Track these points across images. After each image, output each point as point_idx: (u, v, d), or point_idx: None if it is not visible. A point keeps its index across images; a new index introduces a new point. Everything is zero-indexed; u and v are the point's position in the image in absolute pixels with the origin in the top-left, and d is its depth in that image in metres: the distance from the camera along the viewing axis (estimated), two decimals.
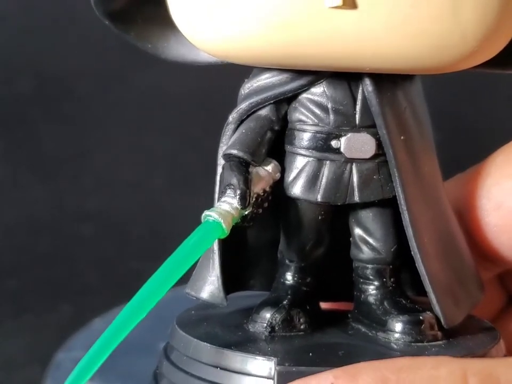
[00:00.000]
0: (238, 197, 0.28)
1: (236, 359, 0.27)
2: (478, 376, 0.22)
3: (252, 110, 0.30)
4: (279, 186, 0.30)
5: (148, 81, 0.50)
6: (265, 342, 0.29)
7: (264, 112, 0.30)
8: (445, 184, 0.32)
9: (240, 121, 0.30)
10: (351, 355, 0.27)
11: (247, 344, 0.28)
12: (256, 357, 0.27)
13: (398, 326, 0.29)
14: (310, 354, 0.27)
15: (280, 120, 0.30)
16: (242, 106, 0.30)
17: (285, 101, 0.30)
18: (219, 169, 0.30)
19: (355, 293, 0.31)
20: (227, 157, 0.29)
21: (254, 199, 0.29)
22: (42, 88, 0.54)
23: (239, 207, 0.28)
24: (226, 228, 0.28)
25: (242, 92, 0.30)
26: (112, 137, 0.50)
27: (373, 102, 0.29)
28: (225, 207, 0.28)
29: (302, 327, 0.30)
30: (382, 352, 0.28)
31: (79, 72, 0.54)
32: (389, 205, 0.30)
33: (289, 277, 0.31)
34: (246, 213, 0.28)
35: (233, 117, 0.30)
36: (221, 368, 0.27)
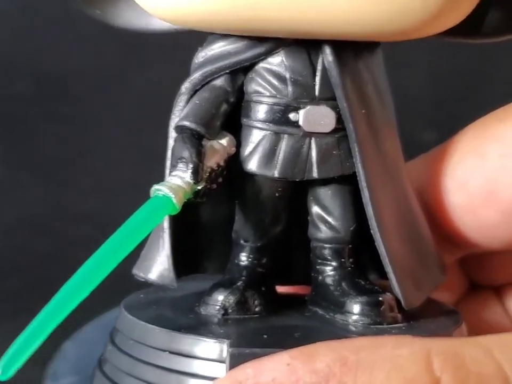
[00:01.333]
0: (190, 170, 0.26)
1: (185, 341, 0.25)
2: (442, 356, 0.21)
3: (206, 80, 0.28)
4: (234, 161, 0.28)
5: (148, 81, 0.50)
6: (218, 325, 0.27)
7: (219, 82, 0.28)
8: (408, 164, 0.31)
9: (194, 92, 0.28)
10: (307, 337, 0.26)
11: (198, 327, 0.26)
12: (207, 339, 0.25)
13: (356, 308, 0.28)
14: (265, 336, 0.26)
15: (236, 92, 0.28)
16: (196, 75, 0.28)
17: (241, 71, 0.28)
18: (170, 142, 0.28)
19: (312, 274, 0.30)
20: (179, 129, 0.28)
21: (207, 174, 0.27)
22: (42, 89, 0.54)
23: (191, 181, 0.27)
24: (177, 204, 0.26)
25: (196, 61, 0.29)
26: (111, 138, 0.50)
27: (333, 73, 0.27)
28: (177, 181, 0.26)
29: (256, 309, 0.28)
30: (340, 334, 0.26)
31: (78, 72, 0.53)
32: (348, 182, 0.29)
33: (244, 258, 0.30)
34: (199, 188, 0.27)
35: (185, 87, 0.28)
36: (170, 352, 0.26)
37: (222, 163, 0.28)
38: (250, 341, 0.25)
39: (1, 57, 0.54)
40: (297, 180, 0.28)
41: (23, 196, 0.53)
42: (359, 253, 0.30)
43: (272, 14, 0.25)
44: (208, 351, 0.25)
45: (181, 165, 0.27)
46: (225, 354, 0.25)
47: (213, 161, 0.27)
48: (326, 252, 0.29)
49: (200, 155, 0.27)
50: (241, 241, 0.30)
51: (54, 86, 0.54)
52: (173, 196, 0.26)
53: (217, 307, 0.28)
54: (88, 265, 0.24)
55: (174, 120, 0.28)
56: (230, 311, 0.28)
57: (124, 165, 0.50)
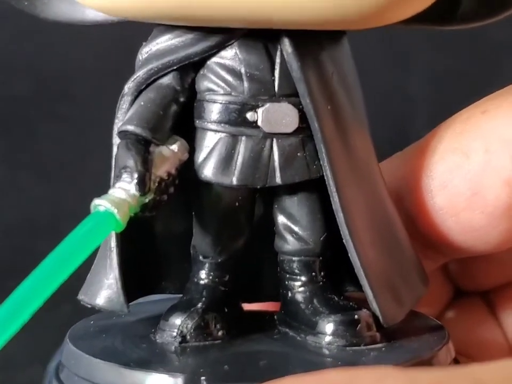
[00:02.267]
0: (135, 181, 0.23)
1: (136, 378, 0.22)
2: None
3: (152, 78, 0.25)
4: (188, 168, 0.25)
5: None
6: (175, 354, 0.24)
7: (166, 80, 0.25)
8: (381, 164, 0.28)
9: (138, 92, 0.25)
10: (274, 366, 0.23)
11: (150, 359, 0.23)
12: (160, 374, 0.22)
13: (330, 327, 0.25)
14: (226, 367, 0.23)
15: (186, 90, 0.25)
16: (140, 73, 0.25)
17: (190, 67, 0.25)
18: (114, 150, 0.25)
19: (281, 290, 0.27)
20: (123, 134, 0.24)
21: (156, 184, 0.24)
22: (42, 89, 0.54)
23: (137, 193, 0.23)
24: (121, 219, 0.23)
25: (140, 58, 0.26)
26: (111, 137, 0.49)
27: (294, 66, 0.24)
28: (120, 194, 0.23)
29: (219, 334, 0.25)
30: (311, 360, 0.23)
31: (78, 73, 0.53)
32: (315, 187, 0.26)
33: (203, 276, 0.26)
34: (147, 200, 0.24)
35: (129, 86, 0.25)
36: None
37: (173, 171, 0.25)
38: (209, 373, 0.22)
39: (1, 57, 0.54)
40: (258, 187, 0.25)
41: (23, 196, 0.52)
42: (333, 264, 0.27)
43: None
44: None
45: (125, 175, 0.24)
46: None
47: (162, 169, 0.24)
48: (295, 265, 0.26)
49: (146, 163, 0.24)
50: (200, 257, 0.27)
51: (54, 86, 0.54)
52: (116, 210, 0.23)
53: (174, 333, 0.25)
54: (17, 294, 0.21)
55: (118, 124, 0.25)
56: (188, 337, 0.25)
57: None
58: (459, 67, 0.55)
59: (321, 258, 0.26)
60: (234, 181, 0.25)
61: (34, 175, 0.53)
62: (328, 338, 0.25)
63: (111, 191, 0.24)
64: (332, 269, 0.27)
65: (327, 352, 0.24)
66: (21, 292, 0.21)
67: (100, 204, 0.23)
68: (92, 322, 0.27)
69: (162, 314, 0.26)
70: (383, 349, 0.24)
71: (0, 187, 0.53)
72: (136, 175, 0.23)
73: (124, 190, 0.23)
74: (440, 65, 0.56)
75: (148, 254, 0.27)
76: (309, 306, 0.25)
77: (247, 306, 0.28)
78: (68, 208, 0.48)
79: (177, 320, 0.25)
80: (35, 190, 0.53)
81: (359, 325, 0.25)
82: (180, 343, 0.24)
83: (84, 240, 0.22)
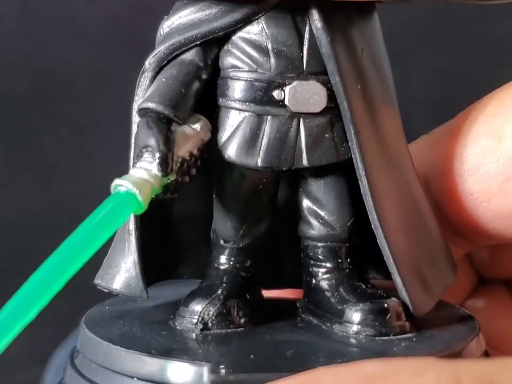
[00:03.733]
0: (157, 161, 0.22)
1: (157, 366, 0.21)
2: None
3: (174, 54, 0.24)
4: (210, 148, 0.24)
5: None
6: (196, 342, 0.23)
7: (189, 56, 0.24)
8: (409, 146, 0.27)
9: (159, 68, 0.24)
10: (302, 356, 0.22)
11: (172, 347, 0.22)
12: (183, 363, 0.21)
13: (358, 316, 0.24)
14: (252, 356, 0.22)
15: (209, 67, 0.24)
16: (161, 49, 0.24)
17: (214, 43, 0.24)
18: (134, 128, 0.24)
19: (304, 277, 0.26)
20: (143, 112, 0.23)
21: (178, 164, 0.23)
22: (42, 88, 0.54)
23: (159, 174, 0.22)
24: (143, 201, 0.22)
25: (161, 32, 0.24)
26: (111, 137, 0.49)
27: (323, 42, 0.23)
28: (142, 174, 0.22)
29: (241, 321, 0.24)
30: (339, 350, 0.22)
31: (78, 72, 0.53)
32: (343, 170, 0.25)
33: (224, 261, 0.25)
34: (169, 181, 0.23)
35: (150, 62, 0.24)
36: (138, 379, 0.21)
37: (195, 151, 0.24)
38: (234, 363, 0.21)
39: (1, 57, 0.54)
40: (284, 169, 0.24)
41: (22, 196, 0.53)
42: (357, 250, 0.26)
43: None
44: (185, 377, 0.21)
45: (146, 155, 0.23)
46: (205, 380, 0.21)
47: (184, 149, 0.23)
48: (320, 251, 0.25)
49: (169, 142, 0.23)
50: (221, 242, 0.25)
51: (54, 86, 0.54)
52: (138, 191, 0.22)
53: (195, 320, 0.24)
54: (38, 277, 0.20)
55: (138, 102, 0.24)
56: (210, 324, 0.24)
57: (123, 164, 0.49)
58: (459, 66, 0.55)
59: (347, 244, 0.25)
60: (259, 162, 0.24)
61: (33, 175, 0.53)
62: (355, 328, 0.24)
63: (132, 171, 0.22)
64: (358, 255, 0.26)
65: (354, 341, 0.23)
66: (40, 274, 0.20)
67: (121, 183, 0.22)
68: (107, 307, 0.26)
69: (181, 300, 0.25)
70: (414, 339, 0.23)
71: (0, 187, 0.54)
72: (158, 155, 0.22)
73: (145, 169, 0.22)
74: (440, 64, 0.55)
75: (165, 238, 0.26)
76: (335, 294, 0.24)
77: (266, 293, 0.27)
78: (67, 208, 0.50)
79: (198, 307, 0.24)
80: (35, 190, 0.53)
81: (389, 314, 0.24)
82: (201, 330, 0.23)
83: (105, 222, 0.21)
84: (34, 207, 0.53)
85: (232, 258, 0.25)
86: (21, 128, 0.55)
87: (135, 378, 0.21)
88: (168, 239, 0.26)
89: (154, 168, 0.22)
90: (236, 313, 0.24)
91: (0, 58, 0.54)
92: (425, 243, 0.25)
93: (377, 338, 0.23)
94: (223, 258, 0.25)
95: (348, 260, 0.25)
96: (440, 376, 0.17)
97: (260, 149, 0.24)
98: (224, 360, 0.21)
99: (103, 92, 0.53)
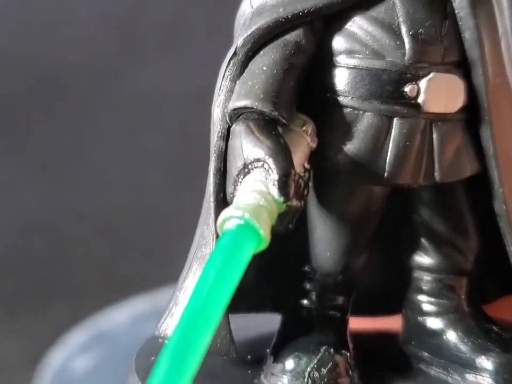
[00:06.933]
0: (276, 179, 0.16)
1: None
2: None
3: (273, 34, 0.18)
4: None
5: (145, 79, 0.48)
6: None
7: (293, 37, 0.18)
8: None
9: (253, 52, 0.18)
10: None
11: None
12: None
13: (494, 367, 0.19)
14: None
15: (313, 52, 0.18)
16: (253, 29, 0.18)
17: (321, 22, 0.18)
18: (217, 130, 0.18)
19: (405, 311, 0.21)
20: (237, 113, 0.17)
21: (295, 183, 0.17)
22: (39, 88, 0.53)
23: (279, 198, 0.16)
24: (264, 234, 0.16)
25: (248, 10, 0.18)
26: (109, 137, 0.48)
27: (469, 24, 0.18)
28: (254, 199, 0.16)
29: (350, 373, 0.19)
30: None
31: (75, 71, 0.53)
32: (464, 185, 0.20)
33: (315, 298, 0.20)
34: (287, 207, 0.17)
35: (238, 46, 0.18)
36: None
37: (306, 164, 0.18)
38: None
39: (1, 56, 0.53)
40: (414, 185, 0.19)
41: (18, 197, 0.53)
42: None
43: None
44: None
45: (256, 172, 0.17)
46: None
47: (296, 162, 0.17)
48: (435, 286, 0.20)
49: (286, 152, 0.17)
50: (314, 275, 0.20)
51: (51, 85, 0.53)
52: (258, 224, 0.16)
53: (300, 381, 0.18)
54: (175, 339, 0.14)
55: (221, 96, 0.18)
56: None
57: (121, 164, 0.47)
58: None
59: (469, 276, 0.20)
60: (386, 176, 0.18)
61: (34, 175, 0.53)
62: (499, 381, 0.19)
63: (240, 196, 0.16)
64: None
65: None
66: (178, 336, 0.13)
67: (241, 216, 0.16)
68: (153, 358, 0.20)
69: (252, 342, 0.19)
70: None
71: None
72: (277, 172, 0.16)
73: (259, 193, 0.16)
74: None
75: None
76: (464, 340, 0.20)
77: None
78: (64, 209, 0.49)
79: (300, 364, 0.18)
80: (35, 190, 0.52)
81: None
82: None
83: (231, 265, 0.15)
84: (30, 208, 0.52)
85: (326, 295, 0.20)
86: (17, 128, 0.54)
87: None
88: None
89: (273, 189, 0.16)
90: (344, 367, 0.19)
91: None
92: None
93: None
94: (313, 296, 0.20)
95: (467, 295, 0.20)
96: None
97: (386, 159, 0.18)
98: None
99: (100, 91, 0.52)
